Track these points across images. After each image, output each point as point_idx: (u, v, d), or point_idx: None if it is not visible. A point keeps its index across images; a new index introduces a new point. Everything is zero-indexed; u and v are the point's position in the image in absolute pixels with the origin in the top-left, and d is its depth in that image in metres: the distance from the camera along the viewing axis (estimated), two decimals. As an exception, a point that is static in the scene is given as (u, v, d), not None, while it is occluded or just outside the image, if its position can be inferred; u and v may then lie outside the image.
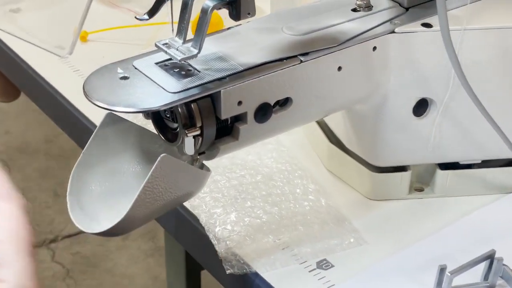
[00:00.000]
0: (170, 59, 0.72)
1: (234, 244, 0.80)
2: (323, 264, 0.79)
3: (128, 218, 0.69)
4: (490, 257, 0.76)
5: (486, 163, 0.87)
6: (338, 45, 0.75)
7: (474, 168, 0.87)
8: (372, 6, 0.80)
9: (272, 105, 0.73)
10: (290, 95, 0.74)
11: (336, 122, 0.89)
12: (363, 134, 0.85)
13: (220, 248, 0.79)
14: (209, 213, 0.83)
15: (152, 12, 0.72)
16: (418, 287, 0.76)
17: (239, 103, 0.71)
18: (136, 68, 0.71)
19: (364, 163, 0.87)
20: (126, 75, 0.70)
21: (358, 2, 0.79)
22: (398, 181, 0.87)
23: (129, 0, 1.25)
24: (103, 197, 0.74)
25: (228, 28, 0.77)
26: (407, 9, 0.80)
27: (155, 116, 0.74)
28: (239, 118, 0.72)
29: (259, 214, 0.83)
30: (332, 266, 0.79)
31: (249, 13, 0.69)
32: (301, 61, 0.73)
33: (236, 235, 0.81)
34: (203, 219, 0.82)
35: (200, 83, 0.69)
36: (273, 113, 0.74)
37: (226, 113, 0.70)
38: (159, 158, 0.68)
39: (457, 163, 0.87)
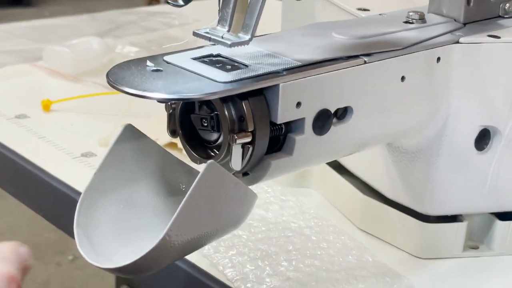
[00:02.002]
0: (209, 55, 0.59)
1: (274, 303, 0.64)
2: (384, 325, 0.64)
3: (161, 246, 0.52)
4: None
5: (550, 214, 0.75)
6: (402, 49, 0.63)
7: (536, 219, 0.74)
8: (426, 20, 0.69)
9: (332, 113, 0.60)
10: (351, 103, 0.61)
11: (371, 170, 0.76)
12: (411, 176, 0.72)
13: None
14: (237, 269, 0.66)
15: (187, -3, 0.59)
16: None
17: (298, 104, 0.57)
18: (169, 63, 0.57)
19: (411, 213, 0.73)
20: (158, 68, 0.56)
21: (411, 14, 0.68)
22: (452, 234, 0.73)
23: (95, 74, 1.12)
24: (115, 232, 0.58)
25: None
26: (464, 24, 0.70)
27: (186, 128, 0.59)
28: (294, 129, 0.58)
29: (295, 269, 0.67)
30: (396, 327, 0.64)
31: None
32: (365, 62, 0.60)
33: (274, 293, 0.64)
34: (230, 276, 0.66)
35: (254, 74, 0.56)
36: (332, 125, 0.60)
37: (283, 116, 0.56)
38: (205, 165, 0.53)
39: (516, 214, 0.74)
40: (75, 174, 0.85)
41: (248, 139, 0.56)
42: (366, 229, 0.76)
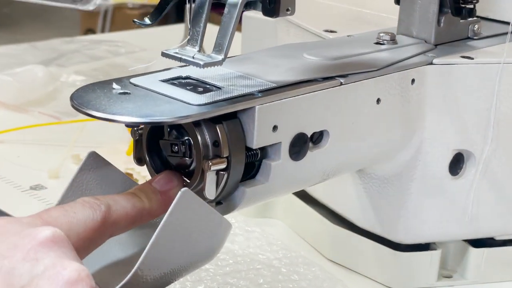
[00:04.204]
0: (178, 77, 0.55)
1: None
2: None
3: (132, 282, 0.48)
4: None
5: (524, 240, 0.73)
6: (378, 70, 0.60)
7: (510, 245, 0.72)
8: (397, 41, 0.67)
9: (308, 137, 0.57)
10: (327, 127, 0.58)
11: (340, 198, 0.73)
12: (383, 204, 0.69)
13: None
14: (206, 304, 0.63)
15: (155, 16, 0.55)
16: None
17: (274, 128, 0.54)
18: (136, 85, 0.53)
19: (383, 242, 0.70)
20: (126, 90, 0.52)
21: (382, 35, 0.66)
22: (426, 263, 0.70)
23: (40, 104, 1.07)
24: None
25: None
26: (435, 46, 0.68)
27: (153, 155, 0.55)
28: (269, 155, 0.55)
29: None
30: None
31: (288, 10, 0.54)
32: (341, 83, 0.58)
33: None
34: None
35: (228, 96, 0.52)
36: (308, 150, 0.57)
37: (259, 140, 0.53)
38: (179, 193, 0.49)
39: (489, 242, 0.72)
40: (25, 208, 0.80)
41: (223, 166, 0.52)
42: (337, 260, 0.73)
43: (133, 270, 0.48)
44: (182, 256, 0.51)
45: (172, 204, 0.49)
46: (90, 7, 0.62)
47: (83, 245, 0.48)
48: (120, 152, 0.92)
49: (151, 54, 1.30)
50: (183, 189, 0.49)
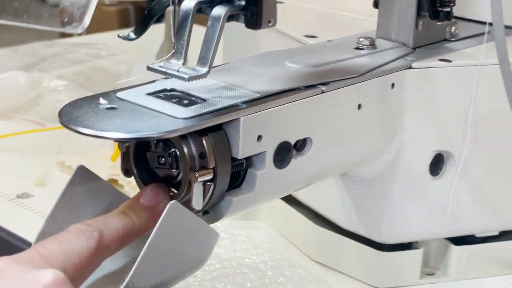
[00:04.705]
0: (163, 90, 0.56)
1: None
2: None
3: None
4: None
5: (503, 237, 0.74)
6: (358, 76, 0.62)
7: (490, 242, 0.74)
8: (376, 46, 0.68)
9: (292, 145, 0.58)
10: (310, 134, 0.59)
11: (324, 200, 0.74)
12: (366, 205, 0.70)
13: None
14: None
15: (140, 30, 0.56)
16: None
17: (259, 138, 0.55)
18: (123, 100, 0.54)
19: (367, 242, 0.72)
20: (113, 105, 0.53)
21: (362, 40, 0.67)
22: (409, 262, 0.72)
23: (23, 111, 1.07)
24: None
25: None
26: (414, 49, 0.69)
27: (140, 166, 0.56)
28: (254, 164, 0.56)
29: (258, 307, 0.65)
30: None
31: (270, 21, 0.55)
32: (323, 91, 0.59)
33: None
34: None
35: (213, 109, 0.53)
36: (292, 157, 0.58)
37: (244, 150, 0.54)
38: (167, 206, 0.50)
39: (469, 239, 0.73)
40: (13, 217, 0.81)
41: (210, 177, 0.53)
42: (321, 261, 0.75)
43: (124, 284, 0.49)
44: (172, 267, 0.52)
45: (161, 218, 0.50)
46: (78, 30, 0.63)
47: (80, 273, 0.49)
48: (105, 158, 0.93)
49: (132, 56, 1.31)
50: (171, 202, 0.50)
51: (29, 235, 0.77)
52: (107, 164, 0.91)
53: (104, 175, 0.89)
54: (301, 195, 0.76)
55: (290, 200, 0.78)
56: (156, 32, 1.30)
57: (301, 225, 0.76)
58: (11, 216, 0.81)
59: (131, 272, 0.49)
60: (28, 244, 0.74)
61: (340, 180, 0.71)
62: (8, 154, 0.96)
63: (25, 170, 0.92)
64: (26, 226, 0.78)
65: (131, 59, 1.23)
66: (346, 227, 0.73)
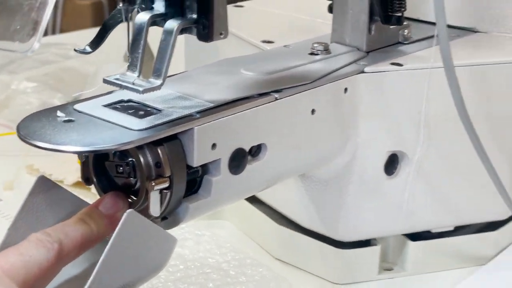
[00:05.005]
0: (120, 101, 0.58)
1: None
2: None
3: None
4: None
5: (458, 232, 0.77)
6: (311, 83, 0.64)
7: (445, 237, 0.76)
8: (330, 51, 0.70)
9: (247, 151, 0.60)
10: (265, 140, 0.61)
11: (285, 200, 0.76)
12: (324, 205, 0.73)
13: None
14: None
15: (95, 43, 0.58)
16: None
17: (213, 146, 0.57)
18: (80, 112, 0.56)
19: (326, 240, 0.74)
20: (70, 118, 0.55)
21: (316, 46, 0.69)
22: (367, 258, 0.74)
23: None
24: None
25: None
26: (367, 53, 0.71)
27: (100, 175, 0.58)
28: (210, 171, 0.58)
29: (220, 307, 0.67)
30: None
31: (222, 34, 0.57)
32: (276, 98, 0.61)
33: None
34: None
35: (168, 119, 0.55)
36: (247, 163, 0.60)
37: (199, 158, 0.56)
38: (124, 215, 0.52)
39: (426, 234, 0.76)
40: (-18, 222, 0.83)
41: (166, 185, 0.55)
42: (284, 259, 0.77)
43: (84, 290, 0.51)
44: (131, 272, 0.54)
45: (118, 226, 0.52)
46: (28, 53, 0.64)
47: (40, 283, 0.51)
48: (72, 161, 0.94)
49: (100, 56, 1.32)
50: (128, 210, 0.52)
51: None
52: (74, 166, 0.92)
53: (72, 178, 0.91)
54: (263, 195, 0.78)
55: (253, 199, 0.80)
56: (122, 32, 1.31)
57: (263, 224, 0.78)
58: (-20, 221, 0.83)
59: (90, 278, 0.51)
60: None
61: (299, 180, 0.73)
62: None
63: (-7, 174, 0.93)
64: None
65: (99, 59, 1.24)
66: (306, 226, 0.75)
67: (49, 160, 0.95)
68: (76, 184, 0.90)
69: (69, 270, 0.57)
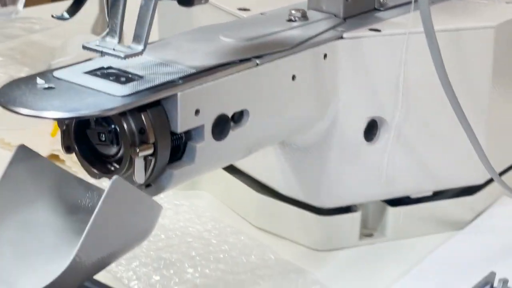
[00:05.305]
0: (101, 68, 0.57)
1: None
2: (296, 323, 0.64)
3: (71, 269, 0.51)
4: (489, 282, 0.65)
5: (436, 197, 0.77)
6: (290, 49, 0.63)
7: (424, 202, 0.77)
8: (308, 17, 0.70)
9: (229, 117, 0.59)
10: (247, 106, 0.61)
11: (264, 168, 0.76)
12: (305, 171, 0.73)
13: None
14: (142, 280, 0.65)
15: (73, 10, 0.57)
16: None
17: (197, 112, 0.57)
18: (60, 79, 0.55)
19: (307, 208, 0.74)
20: (50, 85, 0.54)
21: (293, 12, 0.69)
22: (348, 225, 0.74)
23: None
24: (17, 257, 0.55)
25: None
26: (344, 19, 0.71)
27: (81, 143, 0.57)
28: (193, 137, 0.58)
29: (201, 275, 0.66)
30: (307, 323, 0.65)
31: (202, -1, 0.56)
32: (257, 64, 0.61)
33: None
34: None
35: (150, 85, 0.55)
36: (230, 129, 0.60)
37: (183, 124, 0.56)
38: (111, 181, 0.52)
39: (405, 200, 0.76)
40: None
41: (150, 151, 0.55)
42: (263, 227, 0.77)
43: (70, 258, 0.51)
44: (117, 240, 0.54)
45: (105, 192, 0.51)
46: (12, 15, 0.63)
47: None
48: (44, 134, 0.93)
49: (66, 30, 1.30)
50: (114, 177, 0.52)
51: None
52: (47, 140, 0.91)
53: (45, 151, 0.90)
54: (242, 164, 0.78)
55: (231, 169, 0.79)
56: (90, 2, 1.29)
57: (242, 193, 0.78)
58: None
59: (77, 247, 0.51)
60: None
61: (278, 148, 0.73)
62: None
63: (-37, 149, 0.92)
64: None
65: (66, 33, 1.22)
66: (286, 193, 0.75)
67: (20, 134, 0.93)
68: (50, 157, 0.89)
69: (55, 240, 0.57)
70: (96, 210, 0.51)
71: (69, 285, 0.53)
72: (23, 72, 1.11)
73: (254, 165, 0.77)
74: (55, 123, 0.92)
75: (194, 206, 0.78)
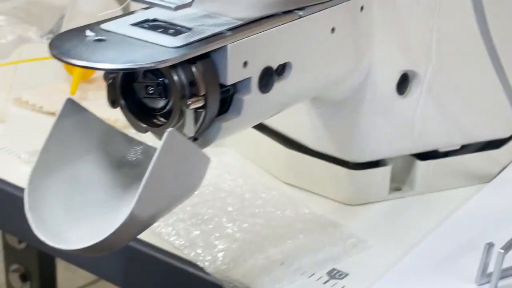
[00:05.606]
0: (146, 20, 0.57)
1: (225, 266, 0.63)
2: (335, 274, 0.65)
3: (128, 223, 0.51)
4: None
5: (464, 150, 0.78)
6: (330, 1, 0.63)
7: (452, 156, 0.77)
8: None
9: (274, 70, 0.59)
10: (290, 59, 0.60)
11: (293, 124, 0.76)
12: (336, 126, 0.73)
13: (212, 271, 0.62)
14: (182, 235, 0.65)
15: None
16: (455, 276, 0.64)
17: (245, 64, 0.56)
18: (109, 31, 0.55)
19: (337, 162, 0.74)
20: (101, 37, 0.53)
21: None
22: (379, 179, 0.75)
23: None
24: (67, 211, 0.55)
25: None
26: (378, -29, 0.71)
27: (128, 98, 0.57)
28: (240, 89, 0.58)
29: (240, 230, 0.67)
30: (346, 274, 0.65)
31: None
32: (300, 16, 0.60)
33: (222, 256, 0.64)
34: (177, 244, 0.65)
35: (200, 37, 0.54)
36: (275, 82, 0.60)
37: (232, 77, 0.56)
38: (165, 133, 0.51)
39: (433, 154, 0.77)
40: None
41: (201, 104, 0.54)
42: (292, 182, 0.77)
43: (128, 212, 0.50)
44: (170, 193, 0.54)
45: (160, 145, 0.51)
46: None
47: None
48: (62, 92, 0.92)
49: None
50: (169, 129, 0.52)
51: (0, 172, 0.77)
52: (64, 98, 0.90)
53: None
54: (270, 120, 0.78)
55: (257, 125, 0.79)
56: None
57: (270, 149, 0.78)
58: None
59: (134, 200, 0.50)
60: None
61: (310, 102, 0.73)
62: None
63: (-20, 107, 0.91)
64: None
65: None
66: (317, 149, 0.75)
67: (35, 92, 0.92)
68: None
69: (103, 196, 0.57)
70: (152, 162, 0.51)
71: (125, 240, 0.53)
72: (32, 32, 1.09)
73: (283, 121, 0.77)
74: (74, 81, 0.91)
75: (222, 163, 0.78)
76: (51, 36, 1.07)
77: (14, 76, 0.96)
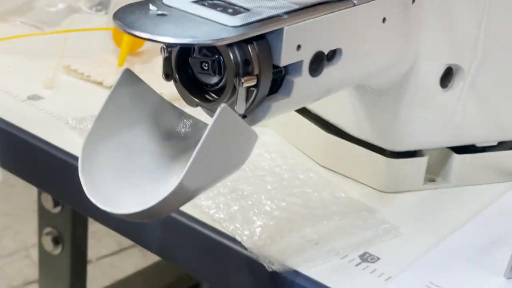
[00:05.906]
0: (207, -3, 0.58)
1: (261, 242, 0.65)
2: (367, 257, 0.67)
3: (176, 192, 0.53)
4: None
5: (500, 147, 0.79)
6: (383, -8, 0.64)
7: (489, 151, 0.79)
8: (395, -38, 0.71)
9: (325, 55, 0.61)
10: (341, 45, 0.62)
11: (335, 109, 0.78)
12: (378, 114, 0.74)
13: (249, 246, 0.64)
14: (222, 209, 0.67)
15: None
16: (484, 269, 0.66)
17: (298, 47, 0.58)
18: (170, 7, 0.57)
19: (375, 150, 0.76)
20: (163, 12, 0.55)
21: (384, -45, 0.70)
22: (414, 169, 0.76)
23: (20, 13, 1.08)
24: (118, 177, 0.57)
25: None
26: (431, -34, 0.72)
27: (182, 72, 0.59)
28: (291, 71, 0.59)
29: (278, 208, 0.69)
30: (378, 258, 0.67)
31: None
32: (355, 4, 0.62)
33: (260, 232, 0.66)
34: (217, 217, 0.67)
35: (259, 18, 0.56)
36: (325, 67, 0.61)
37: (285, 59, 0.57)
38: (218, 109, 0.53)
39: (470, 148, 0.78)
40: (26, 118, 0.83)
41: (254, 82, 0.56)
42: (330, 166, 0.79)
43: (177, 182, 0.52)
44: (218, 167, 0.55)
45: (212, 120, 0.53)
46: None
47: None
48: (110, 64, 0.95)
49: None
50: (222, 105, 0.53)
51: (48, 135, 0.79)
52: (113, 70, 0.93)
53: (111, 79, 0.91)
54: (311, 105, 0.80)
55: (299, 109, 0.81)
56: None
57: (310, 132, 0.80)
58: (25, 117, 0.83)
59: (184, 171, 0.52)
60: (45, 143, 0.77)
61: (353, 90, 0.75)
62: (11, 57, 0.97)
63: (30, 72, 0.93)
64: (43, 128, 0.81)
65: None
66: (356, 135, 0.76)
67: (86, 62, 0.95)
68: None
69: (151, 164, 0.59)
70: (204, 135, 0.53)
71: (170, 209, 0.55)
72: (82, 2, 1.12)
73: (324, 106, 0.79)
74: (121, 53, 0.93)
75: (262, 142, 0.80)
76: (100, 7, 1.10)
77: (64, 45, 0.99)
